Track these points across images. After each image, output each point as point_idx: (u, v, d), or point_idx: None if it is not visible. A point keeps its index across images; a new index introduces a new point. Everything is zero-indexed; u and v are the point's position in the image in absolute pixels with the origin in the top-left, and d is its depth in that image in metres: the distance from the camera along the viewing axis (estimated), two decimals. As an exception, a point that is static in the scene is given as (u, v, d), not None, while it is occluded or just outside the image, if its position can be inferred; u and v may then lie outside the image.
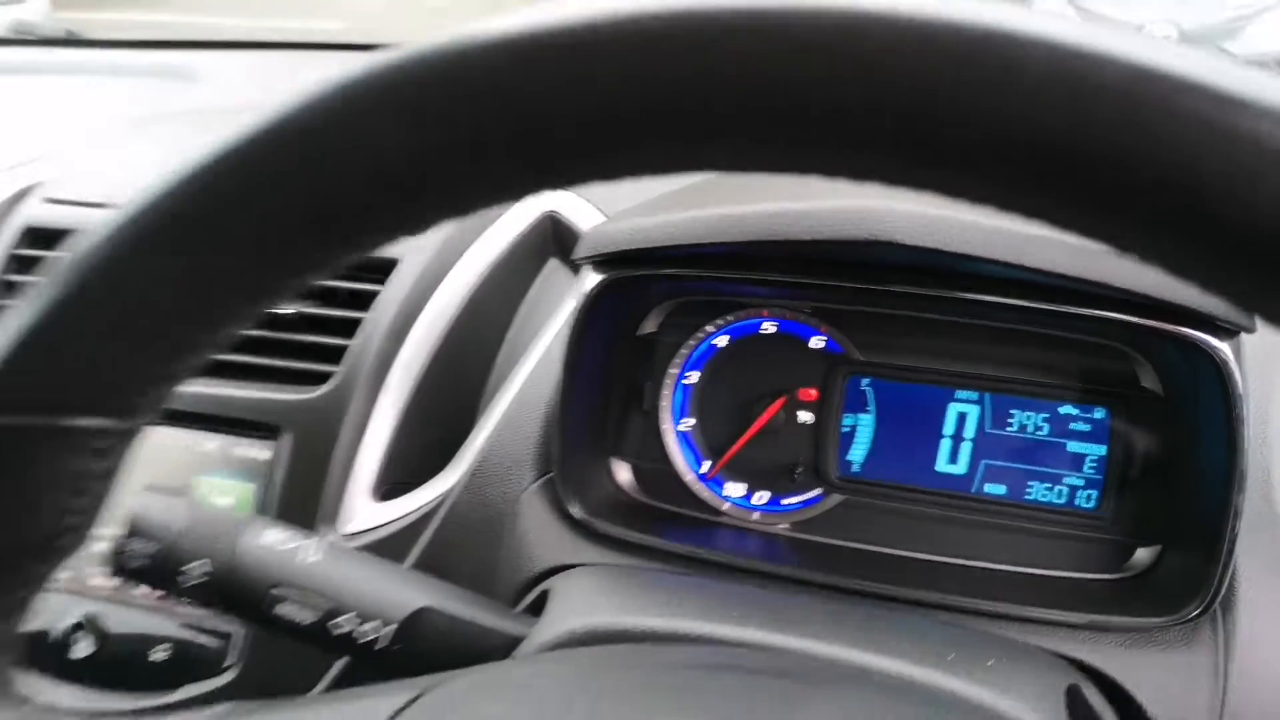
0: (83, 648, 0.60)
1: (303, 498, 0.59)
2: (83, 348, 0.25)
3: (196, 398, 0.61)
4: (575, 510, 0.56)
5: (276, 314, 0.62)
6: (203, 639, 0.59)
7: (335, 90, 0.21)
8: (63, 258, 0.25)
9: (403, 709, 0.28)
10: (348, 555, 0.39)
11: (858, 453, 0.59)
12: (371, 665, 0.38)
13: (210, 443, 0.61)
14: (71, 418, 0.25)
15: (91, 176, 0.74)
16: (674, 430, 0.62)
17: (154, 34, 1.16)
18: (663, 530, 0.57)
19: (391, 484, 0.60)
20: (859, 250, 0.50)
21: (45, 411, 0.25)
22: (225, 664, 0.58)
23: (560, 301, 0.65)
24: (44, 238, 0.70)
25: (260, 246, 0.24)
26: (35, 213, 0.71)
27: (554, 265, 0.73)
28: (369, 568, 0.39)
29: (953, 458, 0.58)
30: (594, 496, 0.58)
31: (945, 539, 0.56)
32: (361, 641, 0.37)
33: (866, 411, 0.59)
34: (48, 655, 0.61)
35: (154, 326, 0.25)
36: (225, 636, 0.59)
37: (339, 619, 0.37)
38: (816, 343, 0.60)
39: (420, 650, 0.38)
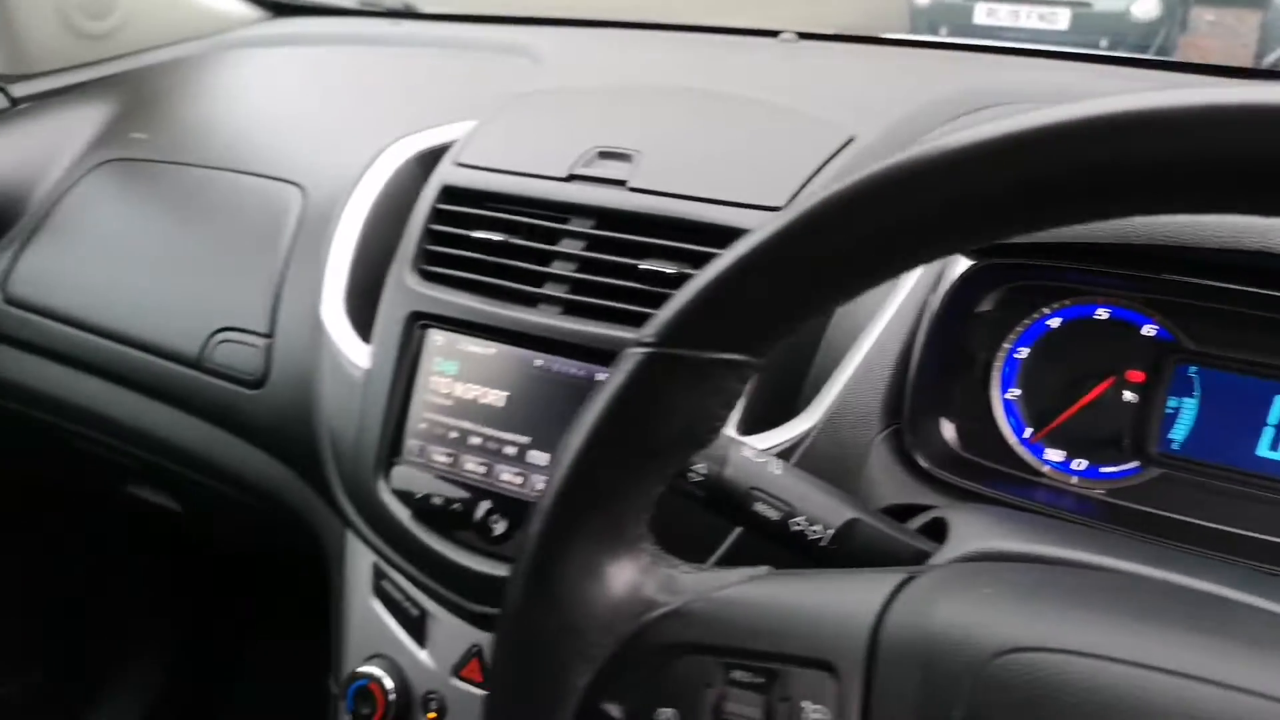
0: (499, 527, 0.75)
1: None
2: (751, 302, 0.36)
3: (597, 336, 0.74)
4: (921, 459, 0.66)
5: (661, 272, 0.74)
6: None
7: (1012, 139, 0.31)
8: (745, 232, 0.36)
9: (903, 584, 0.39)
10: (796, 471, 0.50)
11: (1179, 432, 0.66)
12: (810, 560, 0.49)
13: (603, 375, 0.74)
14: (734, 354, 0.37)
15: (488, 146, 0.88)
16: (1001, 398, 0.70)
17: (491, 8, 1.30)
18: (991, 484, 0.66)
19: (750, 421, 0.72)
20: (1220, 254, 0.56)
21: (725, 348, 0.37)
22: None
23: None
24: (458, 196, 0.85)
25: (879, 244, 0.34)
26: (450, 175, 0.86)
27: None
28: (812, 482, 0.50)
29: (1274, 445, 0.63)
30: (931, 449, 0.68)
31: (1263, 518, 0.62)
32: (809, 539, 0.48)
33: (1191, 396, 0.65)
34: (474, 533, 0.76)
35: (797, 291, 0.36)
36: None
37: (795, 519, 0.48)
38: (1148, 330, 0.66)
39: (849, 551, 0.48)
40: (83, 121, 1.15)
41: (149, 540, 1.51)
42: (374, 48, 1.23)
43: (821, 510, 0.49)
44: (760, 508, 0.48)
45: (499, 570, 0.75)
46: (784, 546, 0.49)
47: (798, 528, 0.48)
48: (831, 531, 0.48)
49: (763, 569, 0.40)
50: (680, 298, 0.36)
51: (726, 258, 0.36)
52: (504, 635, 0.40)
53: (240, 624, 1.63)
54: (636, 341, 0.37)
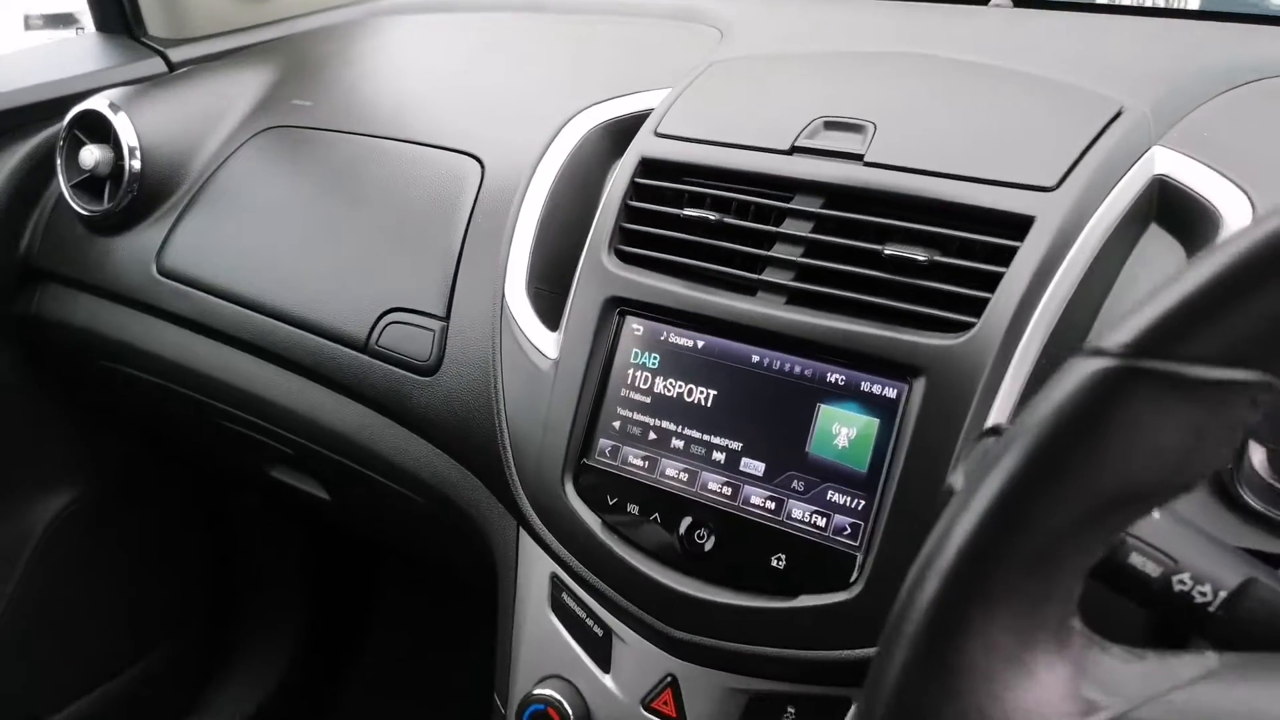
0: (706, 543, 0.66)
1: (936, 441, 0.61)
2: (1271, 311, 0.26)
3: (830, 330, 0.65)
4: (1243, 493, 0.55)
5: (910, 259, 0.64)
6: (828, 548, 0.63)
7: None
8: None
9: None
10: (1175, 513, 0.39)
11: None
12: (1192, 628, 0.38)
13: (836, 375, 0.65)
14: (1249, 372, 0.27)
15: (691, 116, 0.79)
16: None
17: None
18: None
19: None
20: None
21: (1236, 364, 0.27)
22: (851, 579, 0.62)
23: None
24: (659, 170, 0.76)
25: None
26: (650, 146, 0.77)
27: (1154, 232, 0.70)
28: (1194, 528, 0.39)
29: None
30: (1243, 476, 0.57)
31: None
32: (1197, 602, 0.38)
33: None
34: (674, 548, 0.67)
35: None
36: (849, 557, 0.63)
37: (1179, 575, 0.38)
38: None
39: (1242, 620, 0.38)
40: (241, 87, 1.10)
41: (293, 523, 1.48)
42: (540, 14, 1.16)
43: (1211, 566, 0.38)
44: (1136, 560, 0.38)
45: (702, 592, 0.66)
46: (1156, 609, 0.39)
47: (1182, 588, 0.38)
48: (1224, 594, 0.38)
49: (1211, 656, 0.30)
50: (1170, 295, 0.27)
51: (1241, 243, 0.26)
52: None
53: (390, 619, 1.60)
54: (1097, 350, 0.27)
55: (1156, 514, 0.38)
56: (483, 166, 0.87)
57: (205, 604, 1.47)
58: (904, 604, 0.30)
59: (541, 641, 0.77)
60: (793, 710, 0.66)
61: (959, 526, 0.29)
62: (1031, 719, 0.28)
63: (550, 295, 0.79)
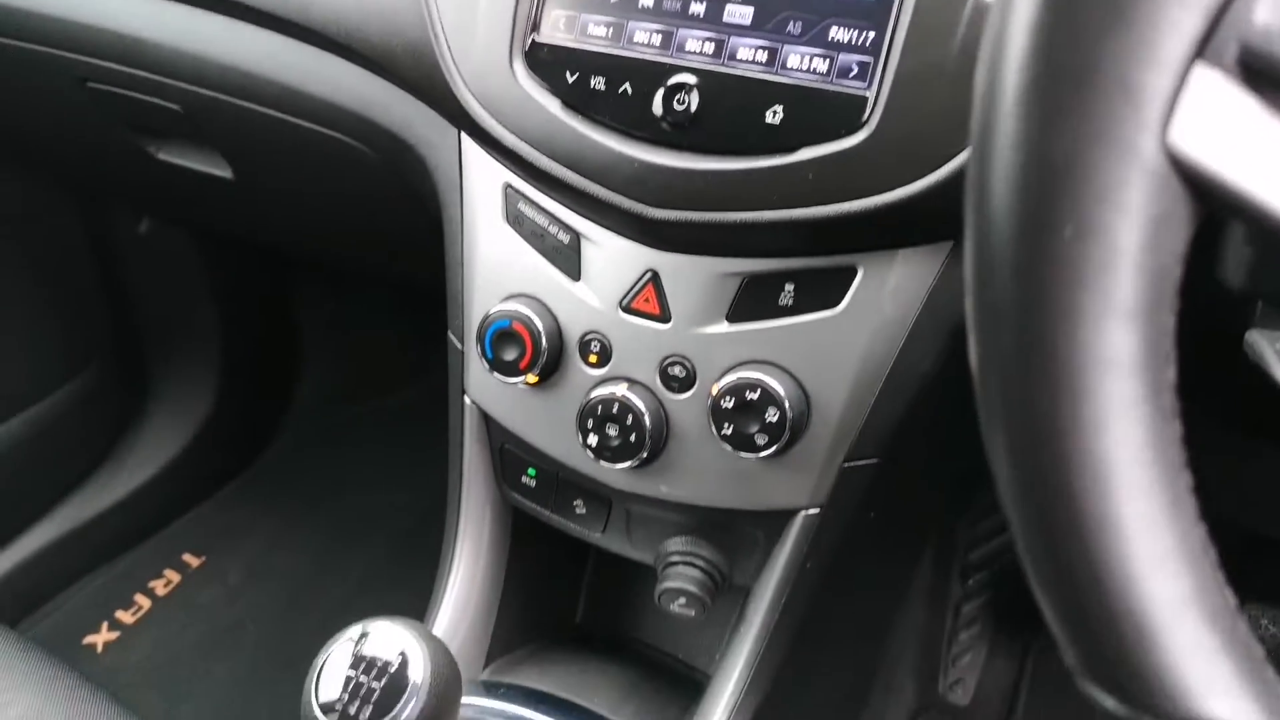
0: (688, 105, 0.57)
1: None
2: None
3: None
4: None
5: None
6: (832, 93, 0.55)
7: None
8: None
9: None
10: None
11: None
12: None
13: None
14: None
15: None
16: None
17: None
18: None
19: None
20: None
21: None
22: (861, 120, 0.54)
23: None
24: None
25: None
26: None
27: None
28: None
29: None
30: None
31: None
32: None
33: None
34: (656, 119, 0.58)
35: None
36: (856, 99, 0.54)
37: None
38: None
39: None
40: None
41: (192, 246, 1.34)
42: None
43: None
44: None
45: (686, 162, 0.58)
46: None
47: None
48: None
49: None
50: None
51: None
52: None
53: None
54: None
55: None
56: None
57: (110, 340, 1.35)
58: None
59: (498, 263, 0.68)
60: (791, 287, 0.60)
61: None
62: None
63: None
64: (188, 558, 1.37)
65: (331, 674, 0.45)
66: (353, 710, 0.43)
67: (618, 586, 0.85)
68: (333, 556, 1.36)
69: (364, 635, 0.46)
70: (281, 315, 1.52)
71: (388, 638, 0.45)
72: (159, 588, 1.33)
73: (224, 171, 0.96)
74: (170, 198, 1.15)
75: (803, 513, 0.64)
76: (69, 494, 1.33)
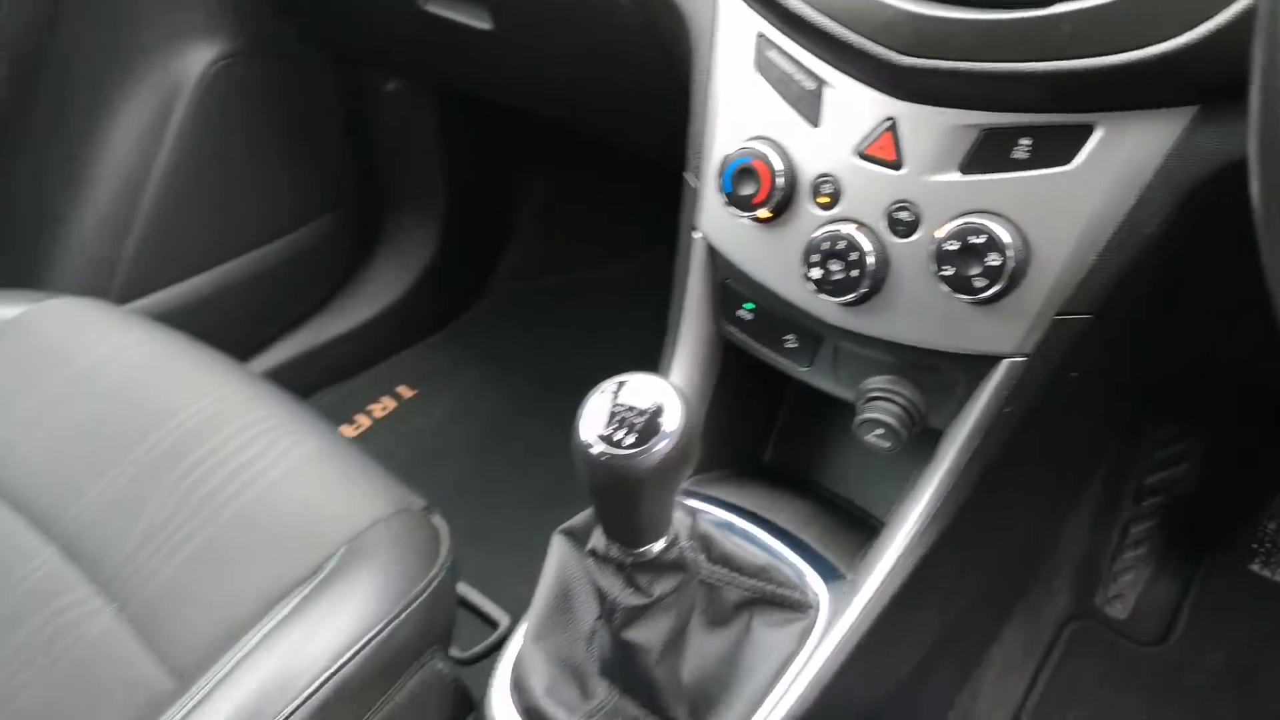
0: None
1: None
2: None
3: None
4: None
5: None
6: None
7: None
8: None
9: None
10: None
11: None
12: None
13: None
14: None
15: None
16: None
17: None
18: None
19: None
20: None
21: None
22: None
23: None
24: None
25: None
26: None
27: None
28: None
29: None
30: None
31: None
32: None
33: None
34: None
35: None
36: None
37: None
38: None
39: None
40: None
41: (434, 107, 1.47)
42: None
43: None
44: None
45: (940, 10, 0.61)
46: None
47: None
48: None
49: None
50: None
51: None
52: None
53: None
54: None
55: None
56: None
57: (354, 189, 1.50)
58: None
59: (742, 107, 0.74)
60: (1027, 142, 0.63)
61: None
62: None
63: None
64: (402, 389, 1.52)
65: (595, 411, 0.53)
66: (617, 437, 0.51)
67: (807, 431, 0.91)
68: (530, 402, 1.49)
69: (622, 385, 0.54)
70: (503, 183, 1.63)
71: (644, 388, 0.53)
72: (376, 410, 1.49)
73: (485, 23, 1.05)
74: (424, 53, 1.26)
75: (1008, 360, 0.67)
76: (307, 319, 1.49)
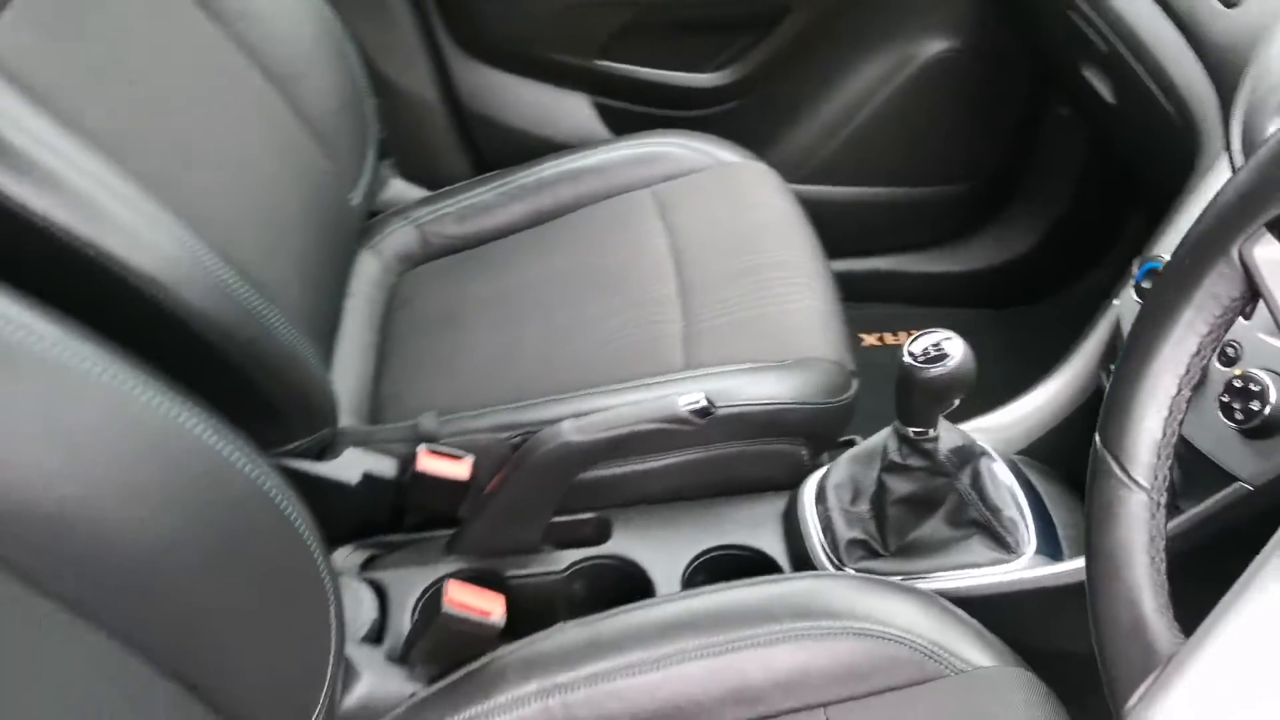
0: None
1: None
2: None
3: None
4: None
5: None
6: None
7: None
8: None
9: None
10: None
11: None
12: None
13: None
14: None
15: None
16: None
17: None
18: None
19: None
20: None
21: None
22: None
23: None
24: None
25: None
26: None
27: None
28: None
29: None
30: None
31: None
32: None
33: None
34: None
35: None
36: None
37: None
38: None
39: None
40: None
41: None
42: None
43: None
44: None
45: None
46: None
47: None
48: None
49: None
50: None
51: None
52: None
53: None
54: None
55: None
56: None
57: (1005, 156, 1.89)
58: None
59: None
60: None
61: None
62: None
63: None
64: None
65: (919, 342, 0.94)
66: (927, 357, 0.93)
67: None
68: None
69: (940, 334, 0.94)
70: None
71: (952, 339, 0.93)
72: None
73: (1109, 97, 1.35)
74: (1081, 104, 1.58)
75: None
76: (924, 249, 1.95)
